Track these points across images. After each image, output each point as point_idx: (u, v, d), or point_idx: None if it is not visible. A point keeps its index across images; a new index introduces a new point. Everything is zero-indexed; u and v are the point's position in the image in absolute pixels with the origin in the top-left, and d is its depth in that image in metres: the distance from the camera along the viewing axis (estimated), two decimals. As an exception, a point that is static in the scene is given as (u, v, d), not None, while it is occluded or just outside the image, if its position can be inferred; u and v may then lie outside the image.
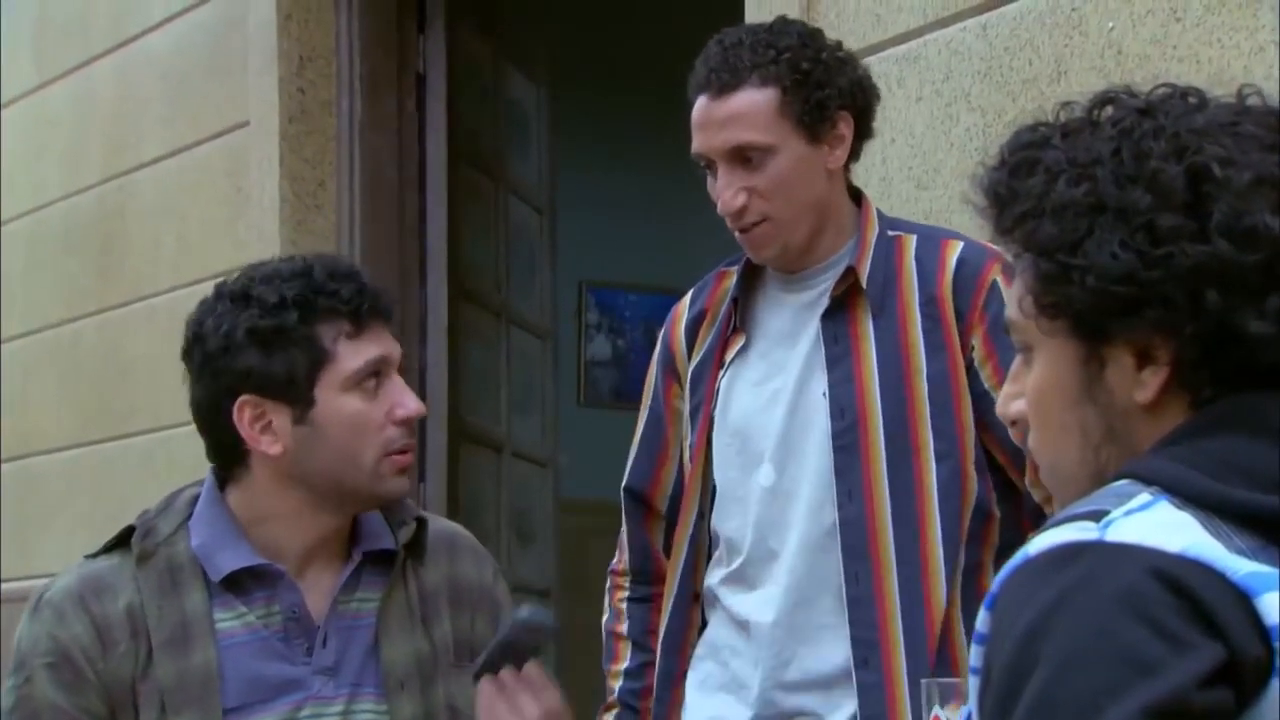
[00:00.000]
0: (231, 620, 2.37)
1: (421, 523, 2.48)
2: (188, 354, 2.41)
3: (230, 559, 2.37)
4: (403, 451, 2.40)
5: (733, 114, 2.63)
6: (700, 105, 2.67)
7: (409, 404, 2.39)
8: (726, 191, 2.65)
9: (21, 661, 2.37)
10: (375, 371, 2.38)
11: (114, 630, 2.35)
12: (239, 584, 2.38)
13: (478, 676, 2.25)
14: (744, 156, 2.64)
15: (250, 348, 2.35)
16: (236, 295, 2.38)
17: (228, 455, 2.41)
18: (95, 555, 2.42)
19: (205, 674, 2.34)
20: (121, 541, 2.42)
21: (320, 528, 2.41)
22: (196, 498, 2.44)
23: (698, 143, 2.67)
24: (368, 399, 2.37)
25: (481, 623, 2.50)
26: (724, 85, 2.64)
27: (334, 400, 2.36)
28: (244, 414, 2.36)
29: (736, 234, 2.71)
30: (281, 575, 2.38)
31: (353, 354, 2.36)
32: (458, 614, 2.49)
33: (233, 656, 2.35)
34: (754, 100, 2.63)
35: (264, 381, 2.35)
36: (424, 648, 2.43)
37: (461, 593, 2.49)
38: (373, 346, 2.38)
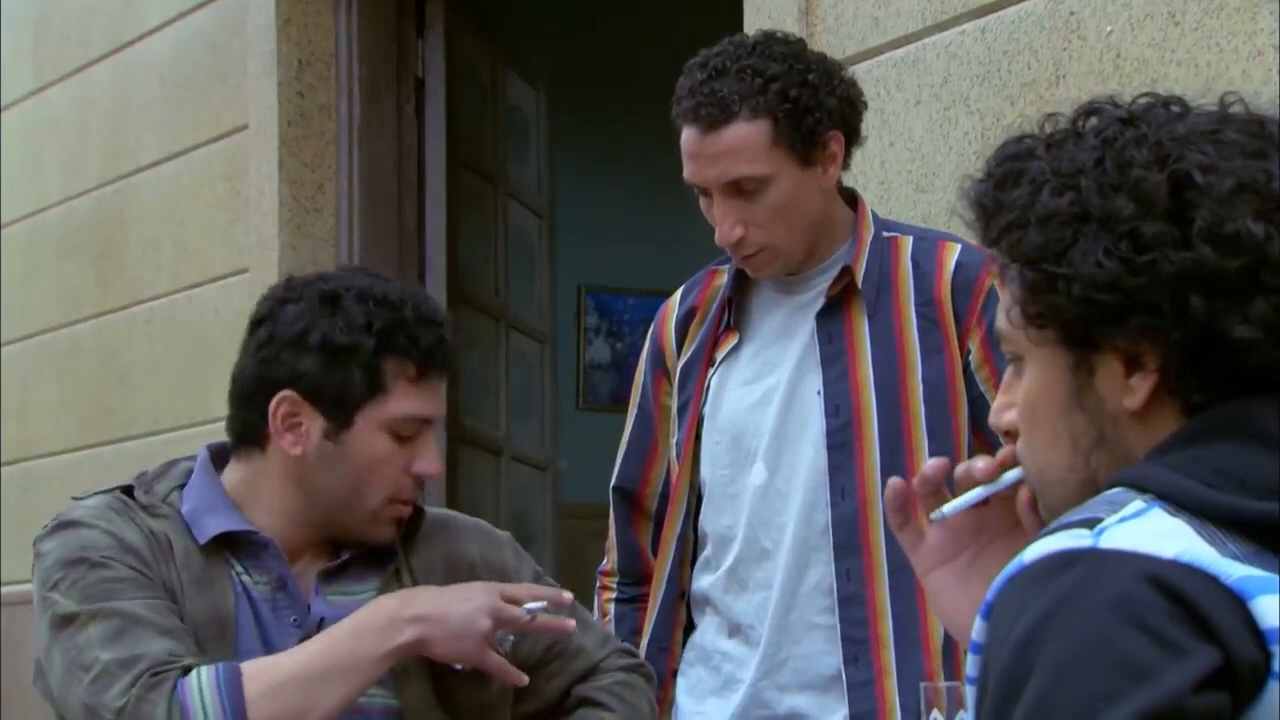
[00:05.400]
0: (234, 574, 2.38)
1: (419, 510, 2.49)
2: (255, 326, 2.41)
3: (219, 523, 2.37)
4: (405, 503, 2.41)
5: (725, 148, 2.61)
6: (691, 137, 2.64)
7: (431, 464, 2.40)
8: (725, 223, 2.63)
9: (79, 557, 2.32)
10: (417, 423, 2.39)
11: (154, 542, 2.34)
12: (229, 549, 2.38)
13: None
14: (740, 188, 2.63)
15: (316, 354, 2.35)
16: (326, 297, 2.37)
17: (249, 433, 2.41)
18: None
19: (224, 614, 2.34)
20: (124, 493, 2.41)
21: (305, 534, 2.42)
22: (193, 470, 2.44)
23: (691, 172, 2.65)
24: (398, 444, 2.37)
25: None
26: (714, 120, 2.60)
27: (369, 433, 2.36)
28: (280, 407, 2.37)
29: (734, 260, 2.70)
30: (268, 545, 2.38)
31: (406, 399, 2.37)
32: None
33: (241, 607, 2.36)
34: (746, 134, 2.61)
35: (313, 388, 2.35)
36: None
37: (463, 571, 2.46)
38: (426, 401, 2.39)
